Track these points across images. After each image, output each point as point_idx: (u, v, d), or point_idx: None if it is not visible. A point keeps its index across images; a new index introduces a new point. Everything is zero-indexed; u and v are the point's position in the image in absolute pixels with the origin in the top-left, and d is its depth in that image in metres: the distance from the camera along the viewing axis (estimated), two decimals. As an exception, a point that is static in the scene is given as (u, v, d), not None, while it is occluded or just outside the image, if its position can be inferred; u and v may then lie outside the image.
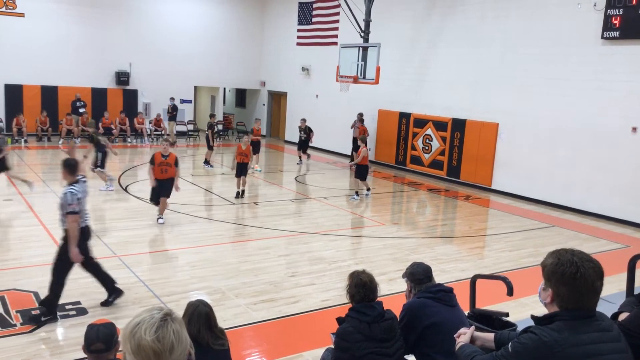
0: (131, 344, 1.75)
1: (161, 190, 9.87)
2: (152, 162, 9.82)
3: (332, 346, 3.85)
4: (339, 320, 3.77)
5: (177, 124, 22.15)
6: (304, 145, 18.30)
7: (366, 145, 12.92)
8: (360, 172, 12.86)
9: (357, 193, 13.03)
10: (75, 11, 19.96)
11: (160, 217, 9.97)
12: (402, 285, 4.12)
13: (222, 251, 8.79)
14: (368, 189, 13.31)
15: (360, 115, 18.11)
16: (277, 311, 6.50)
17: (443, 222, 12.13)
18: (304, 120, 18.47)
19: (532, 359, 2.34)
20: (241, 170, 12.31)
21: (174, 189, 9.92)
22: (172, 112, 21.17)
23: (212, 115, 18.33)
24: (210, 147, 16.46)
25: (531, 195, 13.98)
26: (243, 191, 12.48)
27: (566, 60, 12.98)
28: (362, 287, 3.72)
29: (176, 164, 9.83)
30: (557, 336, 2.30)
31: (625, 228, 11.77)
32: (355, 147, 18.67)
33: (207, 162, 16.33)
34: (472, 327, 3.09)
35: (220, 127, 23.26)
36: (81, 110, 19.81)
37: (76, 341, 5.29)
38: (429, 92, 16.73)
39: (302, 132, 18.21)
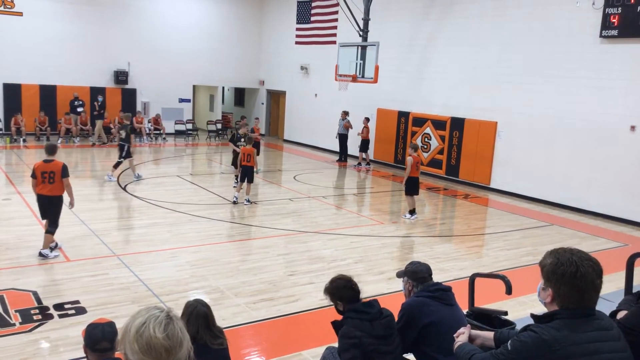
0: (139, 343, 1.76)
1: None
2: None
3: (333, 345, 3.85)
4: (335, 324, 3.75)
5: (176, 123, 22.11)
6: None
7: (415, 153, 11.20)
8: (408, 185, 11.21)
9: (411, 212, 11.34)
10: (74, 10, 19.94)
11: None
12: (401, 284, 4.12)
13: (221, 250, 8.78)
14: (412, 212, 11.33)
15: (345, 113, 18.17)
16: (276, 310, 6.50)
17: (442, 221, 12.13)
18: (243, 119, 15.01)
19: (532, 357, 2.34)
20: (244, 174, 11.79)
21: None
22: (99, 110, 19.63)
23: (242, 117, 17.97)
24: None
25: (530, 193, 13.99)
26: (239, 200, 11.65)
27: (565, 58, 12.99)
28: (347, 287, 3.77)
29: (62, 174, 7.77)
30: (557, 334, 2.30)
31: (623, 226, 11.79)
32: (343, 146, 18.58)
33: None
34: (468, 326, 3.10)
35: (219, 126, 23.21)
36: (79, 109, 19.77)
37: (75, 340, 5.29)
38: (428, 91, 16.73)
39: (243, 140, 13.18)
